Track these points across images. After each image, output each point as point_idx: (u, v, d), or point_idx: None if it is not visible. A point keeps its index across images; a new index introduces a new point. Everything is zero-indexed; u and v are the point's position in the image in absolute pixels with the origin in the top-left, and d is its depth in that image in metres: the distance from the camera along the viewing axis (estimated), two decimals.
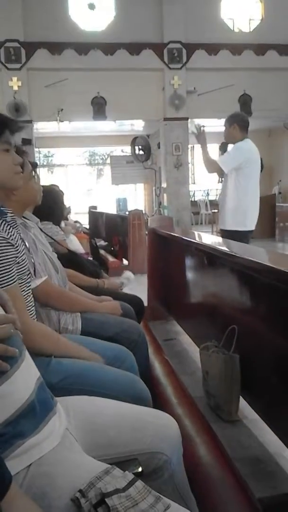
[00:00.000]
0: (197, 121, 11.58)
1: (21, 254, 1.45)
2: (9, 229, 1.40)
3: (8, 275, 1.33)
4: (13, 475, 0.90)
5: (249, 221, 4.00)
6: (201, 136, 4.13)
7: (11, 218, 1.45)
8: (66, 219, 5.74)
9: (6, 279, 1.32)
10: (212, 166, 4.08)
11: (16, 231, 1.46)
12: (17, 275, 1.42)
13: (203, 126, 4.16)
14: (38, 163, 10.95)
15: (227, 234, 4.00)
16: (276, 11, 10.64)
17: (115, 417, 1.21)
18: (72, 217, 9.42)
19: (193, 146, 14.55)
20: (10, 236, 1.38)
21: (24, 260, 1.47)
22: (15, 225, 1.47)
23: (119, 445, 1.16)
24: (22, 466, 0.97)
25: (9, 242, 1.36)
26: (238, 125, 3.95)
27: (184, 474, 1.27)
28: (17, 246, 1.41)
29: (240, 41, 10.71)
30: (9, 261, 1.34)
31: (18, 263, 1.43)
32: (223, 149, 4.17)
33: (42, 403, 1.06)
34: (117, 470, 0.96)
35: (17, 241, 1.42)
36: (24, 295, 1.54)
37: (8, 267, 1.33)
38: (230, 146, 4.13)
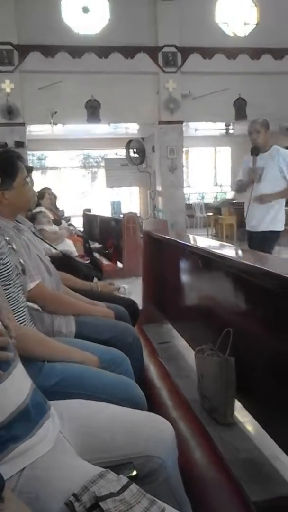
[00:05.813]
0: (193, 124, 11.63)
1: (5, 257, 1.45)
2: None
3: None
4: (6, 479, 0.89)
5: None
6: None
7: None
8: (60, 223, 5.70)
9: None
10: None
11: None
12: (3, 278, 1.42)
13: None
14: (32, 166, 10.95)
15: (271, 235, 4.08)
16: (271, 16, 10.68)
17: (109, 421, 1.21)
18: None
19: (188, 150, 14.57)
20: None
21: (9, 261, 1.47)
22: None
23: (114, 449, 1.16)
24: (15, 470, 0.96)
25: None
26: (269, 130, 4.07)
27: (179, 477, 1.26)
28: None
29: (235, 45, 10.75)
30: None
31: (3, 264, 1.43)
32: (255, 153, 4.13)
33: (36, 407, 1.06)
34: (111, 474, 0.96)
35: None
36: (15, 297, 1.53)
37: None
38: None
